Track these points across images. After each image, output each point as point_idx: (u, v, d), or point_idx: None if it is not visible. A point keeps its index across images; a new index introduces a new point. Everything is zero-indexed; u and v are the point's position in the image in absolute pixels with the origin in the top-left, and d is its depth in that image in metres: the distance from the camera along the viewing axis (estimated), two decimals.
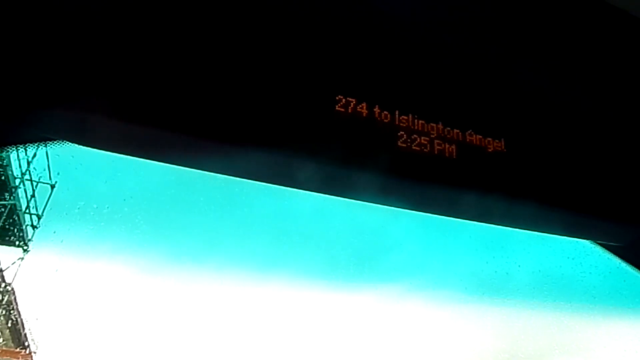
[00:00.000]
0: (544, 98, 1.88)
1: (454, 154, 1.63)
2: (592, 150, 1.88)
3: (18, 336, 12.31)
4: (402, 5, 1.70)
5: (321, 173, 1.55)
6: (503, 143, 1.71)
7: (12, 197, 11.45)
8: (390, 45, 1.72)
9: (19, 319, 12.15)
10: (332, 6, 1.67)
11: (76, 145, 1.41)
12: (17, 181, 11.52)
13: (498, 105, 1.81)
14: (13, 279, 11.75)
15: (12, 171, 11.30)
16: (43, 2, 1.37)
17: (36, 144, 1.44)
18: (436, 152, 1.61)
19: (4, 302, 11.77)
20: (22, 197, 11.78)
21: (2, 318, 11.90)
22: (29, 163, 11.63)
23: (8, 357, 12.09)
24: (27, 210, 11.97)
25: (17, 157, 11.12)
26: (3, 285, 11.63)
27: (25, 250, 11.97)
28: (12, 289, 11.80)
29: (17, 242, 11.94)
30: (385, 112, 1.60)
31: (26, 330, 12.30)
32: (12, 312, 11.98)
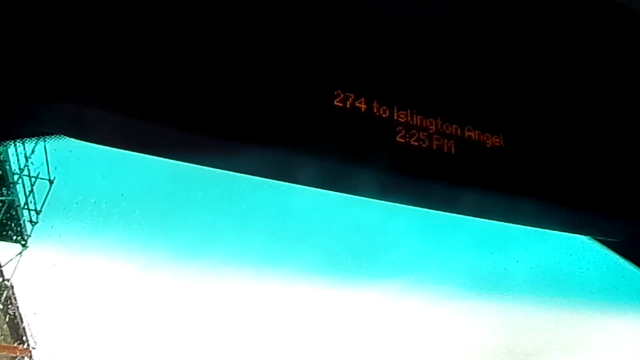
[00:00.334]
0: (542, 94, 1.88)
1: (453, 149, 1.63)
2: (590, 145, 1.88)
3: (17, 331, 12.32)
4: (401, 1, 1.69)
5: (319, 168, 1.54)
6: (502, 138, 1.71)
7: (10, 193, 11.44)
8: (388, 40, 1.72)
9: (17, 314, 12.17)
10: (330, 1, 1.67)
11: (74, 140, 1.40)
12: (16, 177, 11.51)
13: (496, 101, 1.81)
14: (12, 274, 11.76)
15: (10, 166, 11.29)
16: None
17: (34, 139, 1.44)
18: (435, 147, 1.61)
19: (2, 298, 11.78)
20: (20, 192, 11.78)
21: (0, 313, 11.91)
22: (27, 158, 11.62)
23: (7, 352, 12.10)
24: (26, 206, 11.96)
25: (16, 153, 11.11)
26: (1, 280, 11.64)
27: (23, 246, 11.98)
28: (11, 284, 11.81)
29: (15, 238, 11.95)
30: (384, 107, 1.59)
31: (24, 325, 12.32)
32: (10, 307, 12.00)
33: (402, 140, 1.58)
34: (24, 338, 12.32)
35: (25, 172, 11.73)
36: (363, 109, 1.57)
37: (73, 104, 1.33)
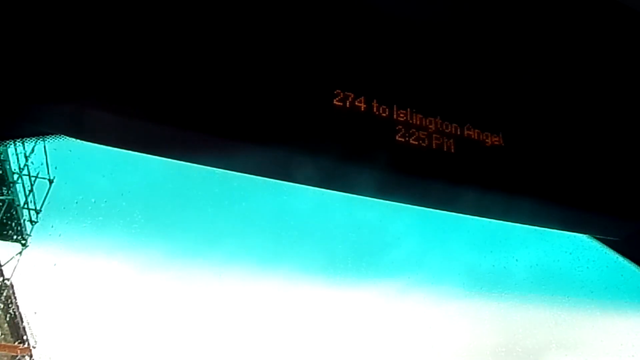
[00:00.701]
0: (541, 93, 1.88)
1: (452, 148, 1.63)
2: (589, 145, 1.88)
3: (17, 330, 12.32)
4: (400, 1, 1.69)
5: (319, 168, 1.55)
6: (501, 137, 1.72)
7: (10, 192, 11.43)
8: (387, 39, 1.72)
9: (17, 313, 12.17)
10: (330, 1, 1.67)
11: (74, 139, 1.40)
12: (15, 176, 11.50)
13: (496, 100, 1.81)
14: (12, 273, 11.76)
15: (10, 166, 11.28)
16: None
17: (34, 139, 1.44)
18: (434, 146, 1.61)
19: (2, 297, 11.78)
20: (20, 191, 11.77)
21: (0, 312, 11.92)
22: (27, 158, 11.61)
23: (7, 351, 12.11)
24: (26, 205, 11.96)
25: (15, 152, 11.10)
26: (2, 279, 11.64)
27: (23, 245, 11.97)
28: (11, 283, 11.81)
29: (15, 237, 11.94)
30: (383, 107, 1.59)
31: (25, 325, 12.32)
32: (10, 306, 12.00)
33: (402, 140, 1.58)
34: (24, 337, 12.32)
35: (25, 171, 11.72)
36: (362, 108, 1.57)
37: (73, 104, 1.33)
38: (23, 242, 11.97)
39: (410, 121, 1.61)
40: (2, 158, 10.93)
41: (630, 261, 2.01)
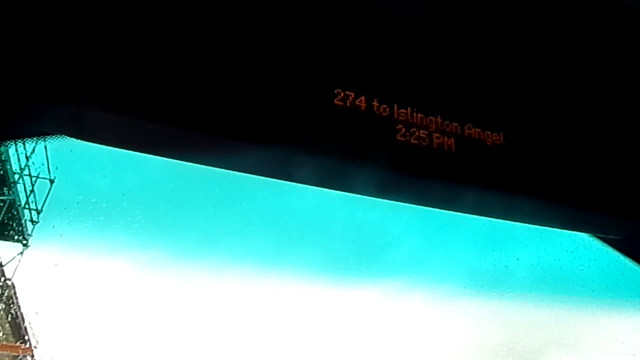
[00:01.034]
0: (542, 91, 1.88)
1: (453, 147, 1.63)
2: (591, 143, 1.88)
3: (18, 330, 12.34)
4: (400, 0, 1.69)
5: (319, 167, 1.55)
6: (502, 136, 1.71)
7: (11, 192, 11.44)
8: (388, 38, 1.72)
9: (19, 313, 12.18)
10: (330, 1, 1.67)
11: (75, 139, 1.40)
12: (16, 176, 11.51)
13: (497, 99, 1.80)
14: (13, 273, 11.77)
15: (11, 166, 11.29)
16: None
17: (35, 139, 1.44)
18: (435, 145, 1.61)
19: (4, 297, 11.79)
20: (21, 192, 11.78)
21: (2, 312, 11.94)
22: (27, 158, 11.62)
23: (9, 351, 12.12)
24: (27, 206, 11.97)
25: (16, 152, 11.11)
26: (3, 279, 11.65)
27: (24, 245, 11.98)
28: (12, 283, 11.82)
29: (16, 237, 11.95)
30: (384, 106, 1.59)
31: (26, 325, 12.33)
32: (12, 306, 12.01)
33: (402, 139, 1.58)
34: (26, 337, 12.34)
35: (26, 171, 11.73)
36: (363, 108, 1.57)
37: (73, 104, 1.33)
38: (24, 242, 11.99)
39: (411, 120, 1.61)
40: (3, 158, 10.95)
41: (631, 260, 2.01)
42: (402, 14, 1.71)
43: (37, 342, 12.36)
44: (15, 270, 11.76)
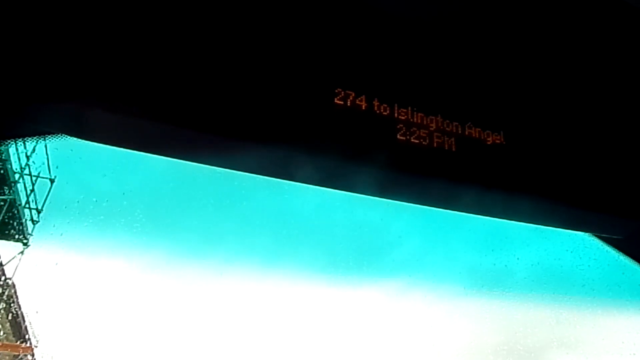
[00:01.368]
0: (543, 91, 1.88)
1: (453, 146, 1.63)
2: (591, 143, 1.87)
3: (19, 330, 12.35)
4: None
5: (320, 166, 1.55)
6: (502, 136, 1.71)
7: (11, 192, 11.45)
8: (388, 38, 1.72)
9: (19, 313, 12.19)
10: (331, 0, 1.67)
11: (74, 139, 1.40)
12: (17, 176, 11.51)
13: (497, 98, 1.80)
14: (13, 273, 11.78)
15: (11, 165, 11.29)
16: None
17: (35, 138, 1.44)
18: (435, 145, 1.61)
19: (4, 297, 11.80)
20: (21, 191, 11.79)
21: (2, 312, 11.94)
22: (28, 157, 11.62)
23: (9, 351, 12.13)
24: (27, 205, 11.97)
25: (17, 152, 11.11)
26: (3, 279, 11.66)
27: (25, 245, 11.99)
28: (13, 283, 11.82)
29: (17, 237, 11.96)
30: (384, 105, 1.59)
31: (27, 324, 12.34)
32: (12, 305, 12.02)
33: (403, 138, 1.58)
34: (26, 337, 12.35)
35: (27, 171, 11.74)
36: (363, 107, 1.57)
37: (74, 104, 1.33)
38: (25, 241, 11.99)
39: (411, 120, 1.61)
40: (3, 158, 10.95)
41: (632, 260, 2.01)
42: (403, 13, 1.71)
43: (37, 341, 12.37)
44: (16, 269, 11.78)
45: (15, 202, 11.60)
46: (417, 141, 1.59)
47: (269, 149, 1.48)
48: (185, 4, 1.51)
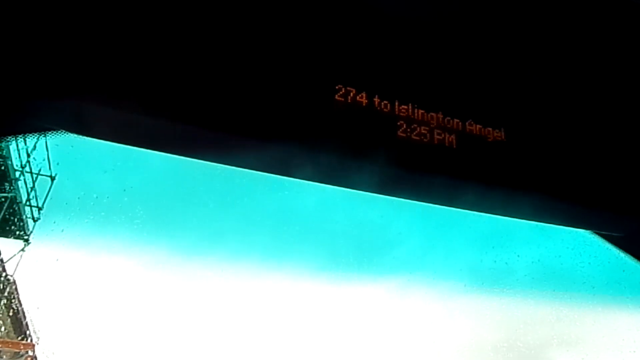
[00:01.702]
0: (544, 88, 1.87)
1: (454, 143, 1.63)
2: (592, 140, 1.87)
3: (20, 326, 12.38)
4: None
5: (321, 163, 1.54)
6: (503, 133, 1.71)
7: (12, 189, 11.45)
8: (389, 35, 1.71)
9: (20, 309, 12.22)
10: None
11: (75, 135, 1.40)
12: (17, 173, 11.52)
13: (498, 95, 1.80)
14: (14, 270, 11.79)
15: (11, 163, 11.30)
16: None
17: (35, 134, 1.44)
18: (436, 141, 1.61)
19: (5, 293, 11.82)
20: (22, 188, 11.80)
21: (4, 309, 11.97)
22: (28, 154, 11.62)
23: (10, 347, 12.16)
24: (28, 202, 11.98)
25: (17, 149, 11.11)
26: (4, 276, 11.68)
27: (26, 242, 12.00)
28: (14, 279, 11.84)
29: (17, 234, 11.97)
30: (385, 102, 1.59)
31: (28, 321, 12.37)
32: (13, 302, 12.04)
33: (404, 135, 1.57)
34: (27, 333, 12.37)
35: (27, 168, 11.74)
36: (364, 104, 1.57)
37: (74, 100, 1.33)
38: (25, 238, 12.00)
39: (412, 116, 1.61)
40: (3, 154, 10.95)
41: (632, 257, 2.01)
42: (404, 12, 1.71)
43: (38, 337, 12.40)
44: (17, 266, 11.79)
45: (16, 200, 11.61)
46: (417, 138, 1.59)
47: (269, 146, 1.48)
48: (185, 1, 1.51)
